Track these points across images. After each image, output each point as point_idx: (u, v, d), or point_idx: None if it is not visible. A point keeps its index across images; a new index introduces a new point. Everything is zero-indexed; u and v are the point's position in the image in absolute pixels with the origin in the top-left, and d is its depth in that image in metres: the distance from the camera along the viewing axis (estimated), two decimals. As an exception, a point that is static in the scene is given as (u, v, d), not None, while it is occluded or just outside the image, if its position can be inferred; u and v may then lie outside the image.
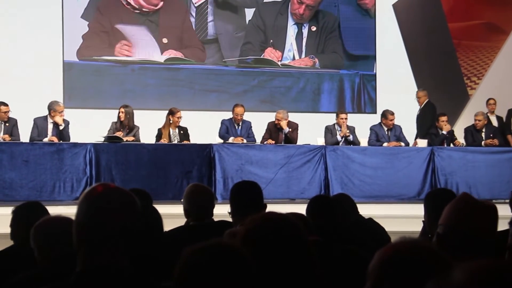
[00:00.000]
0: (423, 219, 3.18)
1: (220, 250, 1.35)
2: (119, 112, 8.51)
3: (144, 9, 10.77)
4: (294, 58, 11.41)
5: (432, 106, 9.90)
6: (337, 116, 9.09)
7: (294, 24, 11.45)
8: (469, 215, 1.83)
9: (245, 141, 8.68)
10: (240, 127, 8.91)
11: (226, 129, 8.85)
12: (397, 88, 11.30)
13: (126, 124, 8.47)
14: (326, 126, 9.12)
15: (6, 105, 8.23)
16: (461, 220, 1.83)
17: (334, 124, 9.09)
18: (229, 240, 1.40)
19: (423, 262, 1.28)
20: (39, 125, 8.23)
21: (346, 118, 8.97)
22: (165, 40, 10.84)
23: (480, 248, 1.75)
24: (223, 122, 8.93)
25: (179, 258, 1.35)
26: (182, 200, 3.50)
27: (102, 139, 8.18)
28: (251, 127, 8.96)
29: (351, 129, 9.03)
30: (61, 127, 8.20)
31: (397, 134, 9.09)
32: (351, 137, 8.93)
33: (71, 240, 1.61)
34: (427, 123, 9.55)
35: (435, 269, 1.26)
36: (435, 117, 9.51)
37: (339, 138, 8.96)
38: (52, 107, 8.23)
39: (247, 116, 9.14)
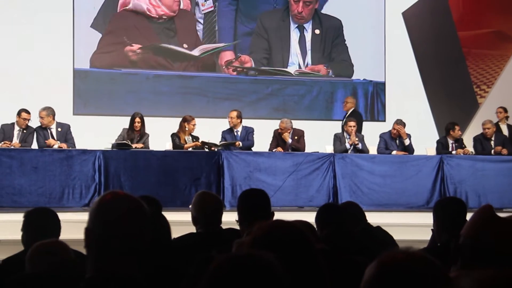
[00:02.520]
0: (432, 228, 3.17)
1: (251, 262, 1.28)
2: (134, 121, 8.48)
3: (164, 17, 10.85)
4: (298, 62, 11.41)
5: (359, 118, 9.45)
6: (346, 124, 9.07)
7: (296, 27, 11.48)
8: (493, 228, 1.81)
9: (241, 144, 8.66)
10: (240, 133, 8.88)
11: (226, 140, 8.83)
12: (407, 96, 11.28)
13: (139, 132, 8.49)
14: (335, 134, 9.10)
15: (28, 112, 8.28)
16: (484, 232, 1.80)
17: (343, 132, 9.08)
18: (263, 252, 1.35)
19: (415, 273, 1.24)
20: (40, 132, 8.30)
21: (354, 126, 8.94)
22: (185, 45, 10.96)
23: (500, 261, 1.73)
24: (222, 135, 8.88)
25: (208, 267, 1.29)
26: (190, 207, 3.50)
27: (110, 146, 8.21)
28: (251, 131, 8.92)
29: (360, 137, 9.00)
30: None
31: (406, 143, 9.04)
32: (359, 145, 8.90)
33: (65, 268, 1.62)
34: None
35: (428, 279, 1.23)
36: (361, 128, 9.27)
37: (347, 146, 8.93)
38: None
39: (260, 124, 9.14)
